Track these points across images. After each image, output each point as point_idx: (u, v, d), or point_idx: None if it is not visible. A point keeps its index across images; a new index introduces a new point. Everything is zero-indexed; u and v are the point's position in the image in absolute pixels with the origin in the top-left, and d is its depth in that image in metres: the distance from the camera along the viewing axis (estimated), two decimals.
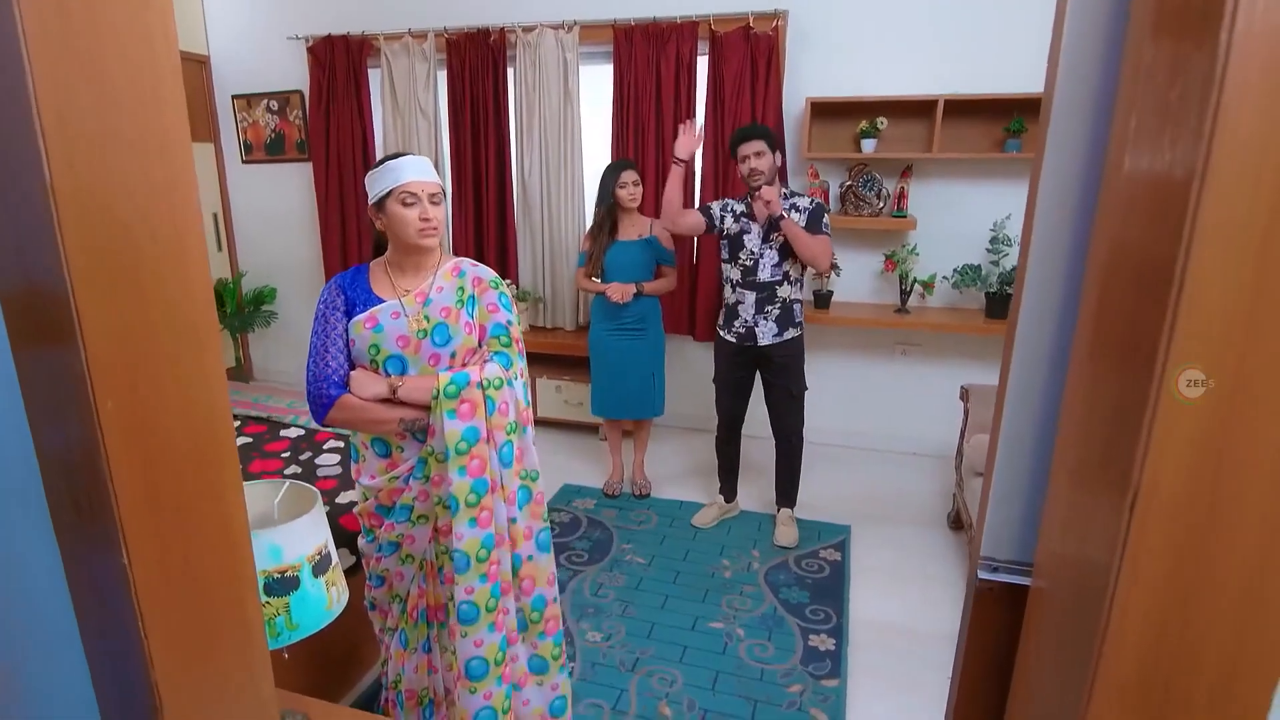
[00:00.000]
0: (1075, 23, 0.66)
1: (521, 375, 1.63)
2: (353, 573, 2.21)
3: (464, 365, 1.61)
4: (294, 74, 4.58)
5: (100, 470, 0.63)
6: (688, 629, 2.59)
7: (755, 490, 3.56)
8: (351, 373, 1.60)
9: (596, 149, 4.22)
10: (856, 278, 3.93)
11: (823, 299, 3.83)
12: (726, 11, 3.71)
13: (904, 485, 3.70)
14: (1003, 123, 3.46)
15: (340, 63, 4.40)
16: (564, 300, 4.37)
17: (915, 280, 3.73)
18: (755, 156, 2.83)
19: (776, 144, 2.88)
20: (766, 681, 2.33)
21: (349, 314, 1.61)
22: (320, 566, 1.45)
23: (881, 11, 3.57)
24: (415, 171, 1.57)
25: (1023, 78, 3.33)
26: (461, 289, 1.65)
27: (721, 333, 3.11)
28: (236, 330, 4.91)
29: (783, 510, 3.23)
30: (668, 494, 3.59)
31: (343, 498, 2.41)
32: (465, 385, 1.54)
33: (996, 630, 0.73)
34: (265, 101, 4.71)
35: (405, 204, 1.57)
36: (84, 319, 0.59)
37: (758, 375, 3.16)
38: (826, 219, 2.89)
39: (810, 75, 3.72)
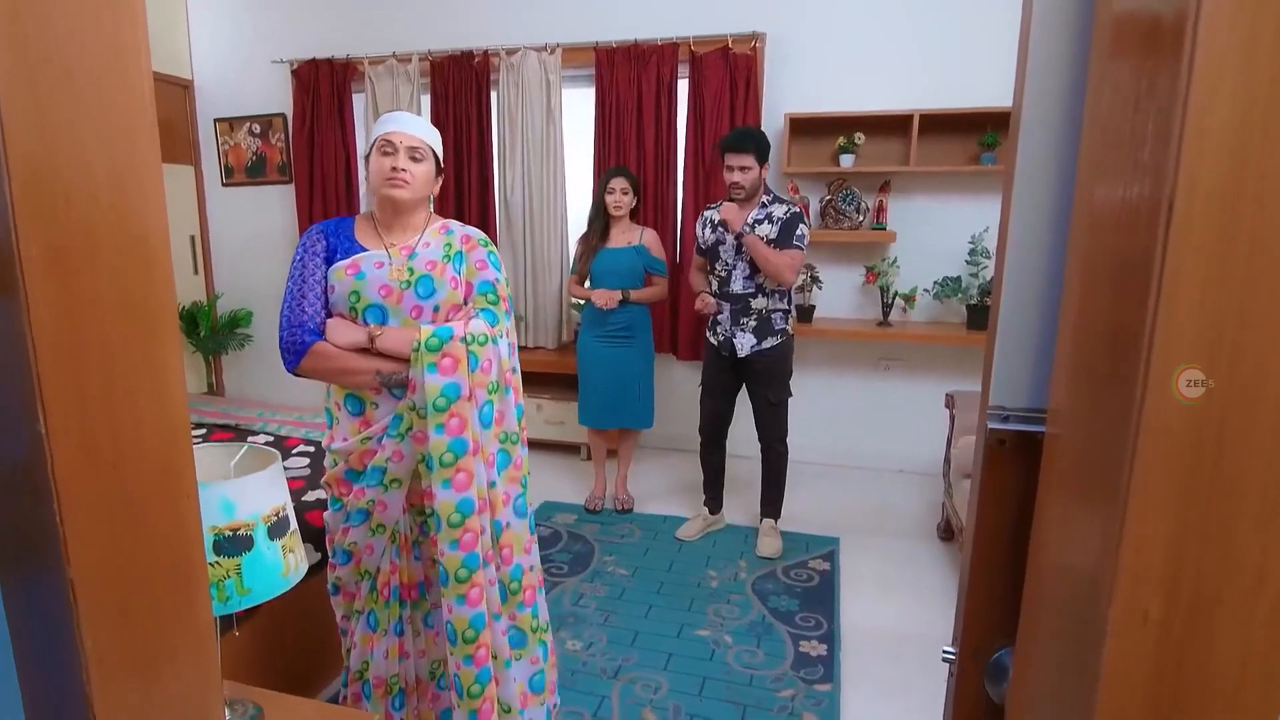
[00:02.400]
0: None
1: (507, 335, 1.57)
2: (318, 570, 2.09)
3: (447, 320, 1.55)
4: (277, 97, 4.60)
5: (35, 417, 0.57)
6: (673, 636, 2.46)
7: (741, 504, 3.46)
8: (328, 320, 1.53)
9: (579, 169, 4.25)
10: (838, 292, 3.93)
11: (805, 313, 3.81)
12: (706, 34, 3.80)
13: (892, 500, 3.63)
14: (977, 136, 3.53)
15: (324, 86, 4.43)
16: (546, 318, 4.32)
17: (896, 293, 3.74)
18: (740, 171, 2.80)
19: (765, 157, 2.84)
20: (756, 687, 2.20)
21: (329, 261, 1.56)
22: (277, 529, 1.35)
23: (856, 31, 3.67)
24: (396, 123, 1.55)
25: (995, 92, 3.42)
26: (449, 245, 1.60)
27: (707, 335, 3.08)
28: (210, 352, 4.79)
29: (765, 521, 3.14)
30: (651, 509, 3.49)
31: (309, 496, 2.30)
32: (448, 339, 1.48)
33: (1011, 485, 0.67)
34: (248, 124, 4.71)
35: (383, 153, 1.54)
36: (26, 268, 0.54)
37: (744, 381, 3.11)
38: (801, 229, 2.82)
39: (788, 93, 3.79)
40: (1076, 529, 0.56)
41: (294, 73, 4.46)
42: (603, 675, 2.25)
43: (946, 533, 3.20)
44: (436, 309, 1.54)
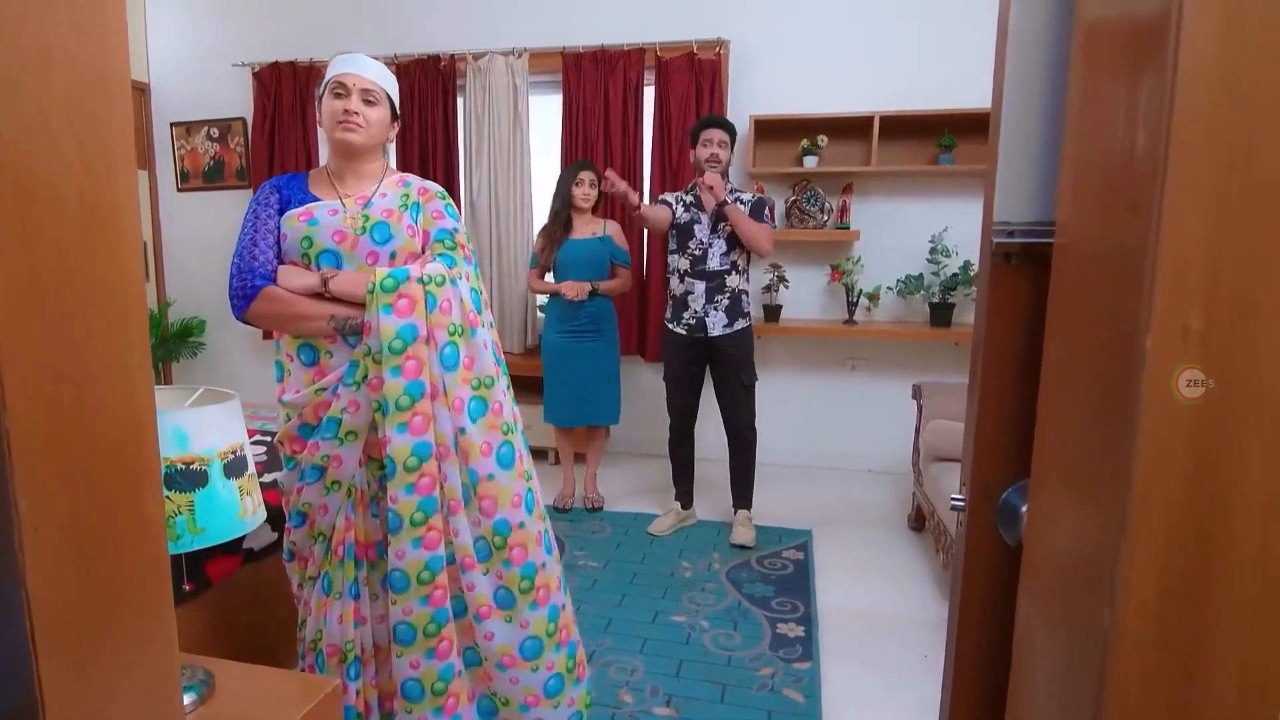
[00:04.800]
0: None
1: (467, 279, 1.53)
2: (274, 549, 1.98)
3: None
4: (237, 101, 4.52)
5: None
6: (647, 622, 2.39)
7: (711, 503, 3.42)
8: (280, 266, 1.47)
9: (545, 173, 4.25)
10: (804, 293, 3.97)
11: (772, 313, 3.84)
12: (671, 40, 3.87)
13: (861, 497, 3.63)
14: (935, 139, 3.64)
15: (286, 89, 4.38)
16: (512, 322, 4.27)
17: (861, 292, 3.79)
18: (719, 145, 2.89)
19: (734, 142, 2.97)
20: (735, 667, 2.14)
21: (282, 212, 1.50)
22: (233, 468, 1.27)
23: (817, 37, 3.78)
24: (349, 64, 1.51)
25: (951, 95, 3.54)
26: (406, 195, 1.57)
27: (670, 325, 3.05)
28: (160, 361, 4.60)
29: (739, 512, 3.10)
30: (621, 508, 3.42)
31: (266, 477, 2.18)
32: (404, 280, 1.43)
33: (1018, 305, 0.65)
34: (206, 129, 4.61)
35: (335, 95, 1.50)
36: None
37: (708, 371, 3.10)
38: (769, 211, 2.93)
39: (753, 97, 3.87)
40: (1096, 314, 0.55)
41: (255, 76, 4.40)
42: None
43: (917, 523, 3.20)
44: (393, 255, 1.50)
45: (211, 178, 4.66)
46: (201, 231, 4.71)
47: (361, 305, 1.43)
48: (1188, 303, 0.43)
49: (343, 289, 1.44)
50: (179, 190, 4.72)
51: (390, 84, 1.57)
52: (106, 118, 0.65)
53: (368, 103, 1.51)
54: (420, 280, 1.44)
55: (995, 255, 0.65)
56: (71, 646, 0.66)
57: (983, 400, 0.68)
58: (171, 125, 4.65)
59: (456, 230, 1.57)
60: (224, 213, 4.65)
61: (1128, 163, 0.50)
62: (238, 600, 1.91)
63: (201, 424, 1.23)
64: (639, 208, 2.90)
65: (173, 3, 4.54)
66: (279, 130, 4.42)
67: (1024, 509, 0.67)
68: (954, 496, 0.72)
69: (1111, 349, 0.51)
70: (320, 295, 1.45)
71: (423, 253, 1.54)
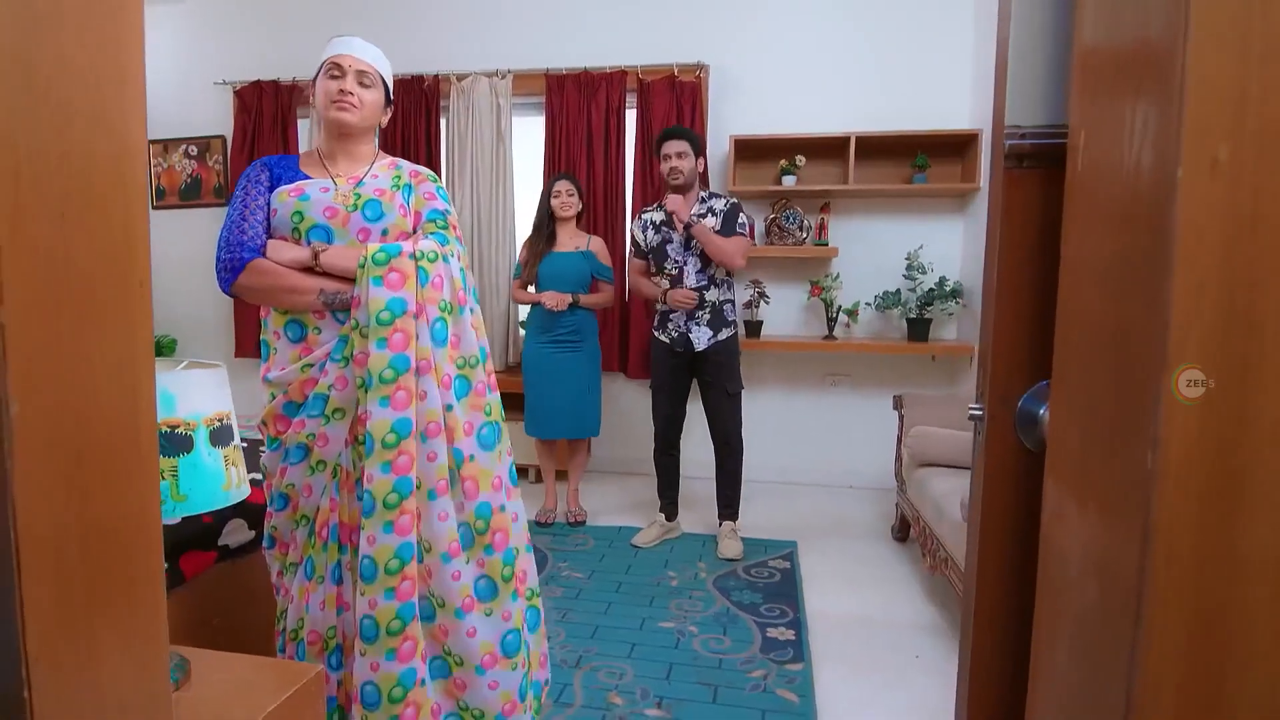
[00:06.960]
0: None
1: (459, 258, 1.52)
2: (253, 548, 1.91)
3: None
4: (218, 119, 4.51)
5: None
6: (635, 629, 2.34)
7: (696, 517, 3.38)
8: (270, 240, 1.45)
9: (527, 196, 4.27)
10: (785, 309, 4.01)
11: (753, 329, 3.87)
12: (652, 63, 3.97)
13: (844, 511, 3.62)
14: (909, 159, 3.75)
15: (268, 108, 4.38)
16: (493, 339, 4.24)
17: (840, 308, 3.85)
18: (678, 156, 2.91)
19: (700, 150, 2.99)
20: (726, 669, 2.10)
21: (272, 189, 1.49)
22: (219, 436, 1.24)
23: (794, 61, 3.90)
24: (345, 46, 1.52)
25: (924, 117, 3.67)
26: (398, 177, 1.56)
27: (657, 334, 3.06)
28: None
29: (725, 524, 3.07)
30: (604, 522, 3.36)
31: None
32: (396, 254, 1.42)
33: (1032, 208, 0.66)
34: (184, 146, 4.58)
35: (330, 76, 1.51)
36: None
37: (694, 380, 3.09)
38: (743, 218, 2.94)
39: (733, 118, 3.96)
40: (1115, 189, 0.56)
41: (237, 94, 4.40)
42: (563, 665, 2.10)
43: (901, 534, 3.19)
44: (385, 233, 1.49)
45: (188, 196, 4.62)
46: (176, 249, 4.63)
47: (352, 280, 1.42)
48: (1216, 134, 0.45)
49: (334, 263, 1.42)
50: (154, 207, 4.65)
51: (385, 68, 1.58)
52: (115, 27, 0.65)
53: (363, 85, 1.52)
54: (413, 255, 1.43)
55: (1007, 159, 0.67)
56: (56, 579, 0.62)
57: (999, 307, 0.69)
58: (149, 142, 4.61)
59: (448, 212, 1.57)
60: (200, 230, 4.59)
61: (1143, 39, 0.52)
62: (212, 599, 1.82)
63: (188, 387, 1.19)
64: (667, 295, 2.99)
65: (156, 21, 4.54)
66: (259, 149, 4.40)
67: (1042, 410, 0.68)
68: (971, 406, 0.72)
69: (1134, 201, 0.52)
70: (311, 269, 1.43)
71: (414, 233, 1.54)
